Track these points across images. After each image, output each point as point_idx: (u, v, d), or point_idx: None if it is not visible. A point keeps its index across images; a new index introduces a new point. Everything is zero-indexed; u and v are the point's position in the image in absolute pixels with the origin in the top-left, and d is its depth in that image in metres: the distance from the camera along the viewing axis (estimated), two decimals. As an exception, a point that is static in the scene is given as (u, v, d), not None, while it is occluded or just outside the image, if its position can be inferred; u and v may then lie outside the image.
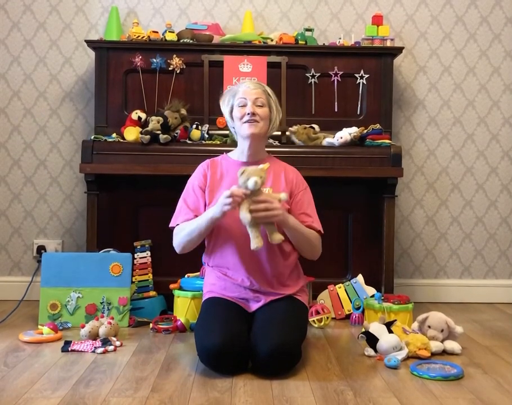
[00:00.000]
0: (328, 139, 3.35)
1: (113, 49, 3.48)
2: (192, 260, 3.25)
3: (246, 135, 2.61)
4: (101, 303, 3.07)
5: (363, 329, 2.64)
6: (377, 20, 3.60)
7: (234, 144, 3.28)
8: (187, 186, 2.71)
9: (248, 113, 2.58)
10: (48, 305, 3.05)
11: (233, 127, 2.70)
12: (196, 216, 2.58)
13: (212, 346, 2.28)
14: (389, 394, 2.16)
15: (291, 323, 2.39)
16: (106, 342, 2.67)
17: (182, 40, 3.50)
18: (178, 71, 3.49)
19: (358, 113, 3.55)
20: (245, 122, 2.59)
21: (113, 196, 3.44)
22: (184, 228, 2.56)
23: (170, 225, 2.65)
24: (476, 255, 3.83)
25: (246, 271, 2.54)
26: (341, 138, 3.31)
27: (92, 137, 3.34)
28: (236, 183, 2.48)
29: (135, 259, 3.28)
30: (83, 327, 2.82)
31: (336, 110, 3.55)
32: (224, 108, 2.69)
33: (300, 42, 3.54)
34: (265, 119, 2.62)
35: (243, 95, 2.61)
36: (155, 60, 3.47)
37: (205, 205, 2.62)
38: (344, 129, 3.35)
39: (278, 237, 2.43)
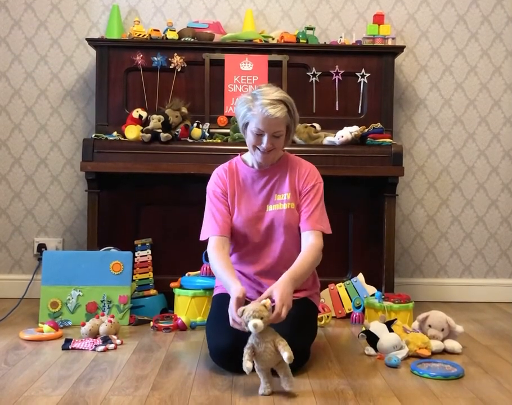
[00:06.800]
0: (329, 138, 3.35)
1: (114, 48, 3.47)
2: (192, 258, 3.27)
3: (257, 162, 2.53)
4: (102, 301, 3.07)
5: (364, 328, 2.64)
6: (379, 19, 3.60)
7: (235, 143, 3.30)
8: (208, 195, 2.57)
9: (263, 149, 2.45)
10: (48, 303, 3.05)
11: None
12: (224, 225, 2.48)
13: (223, 347, 2.29)
14: (389, 393, 2.16)
15: (302, 323, 2.38)
16: (106, 340, 2.67)
17: (183, 39, 3.49)
18: (179, 70, 3.49)
19: (359, 112, 3.55)
20: (258, 151, 2.48)
21: (114, 194, 3.44)
22: (213, 262, 2.43)
23: (200, 238, 2.54)
24: (477, 254, 3.83)
25: (265, 279, 2.52)
26: (342, 136, 3.31)
27: (93, 135, 3.34)
28: (253, 196, 2.51)
29: (136, 257, 3.29)
30: (84, 325, 2.82)
31: (337, 109, 3.55)
32: (239, 119, 2.52)
33: (301, 41, 3.53)
34: (280, 145, 2.50)
35: (262, 127, 2.41)
36: (155, 58, 3.47)
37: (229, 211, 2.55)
38: (345, 128, 3.35)
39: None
